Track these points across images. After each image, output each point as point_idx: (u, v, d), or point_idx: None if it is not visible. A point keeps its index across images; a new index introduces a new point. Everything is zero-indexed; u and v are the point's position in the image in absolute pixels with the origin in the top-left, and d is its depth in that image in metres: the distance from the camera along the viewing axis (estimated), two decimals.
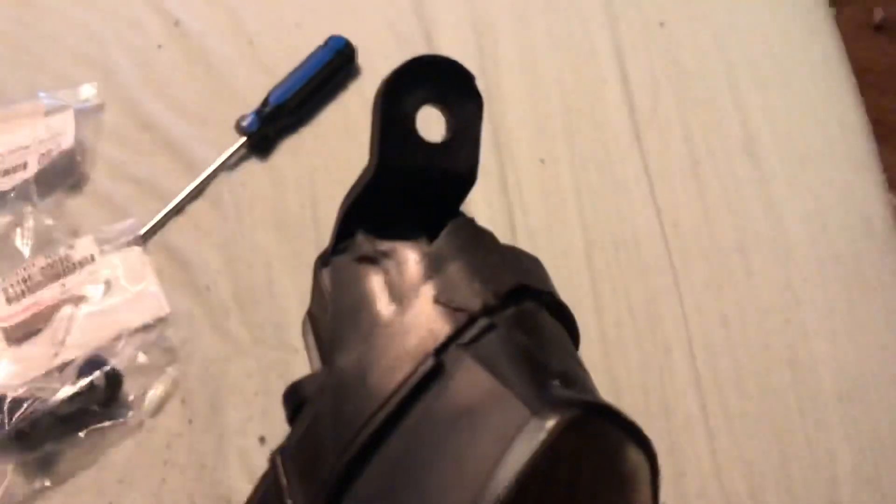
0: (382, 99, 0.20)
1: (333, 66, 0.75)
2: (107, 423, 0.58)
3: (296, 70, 0.74)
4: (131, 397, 0.59)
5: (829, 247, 0.66)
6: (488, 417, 0.19)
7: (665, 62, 0.76)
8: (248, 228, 0.68)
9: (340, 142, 0.73)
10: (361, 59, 0.76)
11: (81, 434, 0.57)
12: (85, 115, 0.73)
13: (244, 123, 0.71)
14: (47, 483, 0.57)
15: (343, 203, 0.21)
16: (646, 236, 0.67)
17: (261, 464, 0.56)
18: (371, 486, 0.19)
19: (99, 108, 0.74)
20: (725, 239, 0.67)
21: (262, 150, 0.72)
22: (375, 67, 0.76)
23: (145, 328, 0.62)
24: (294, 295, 0.64)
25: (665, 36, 0.78)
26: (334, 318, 0.20)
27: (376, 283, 0.21)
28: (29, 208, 0.67)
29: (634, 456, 0.21)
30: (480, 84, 0.72)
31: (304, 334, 0.25)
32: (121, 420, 0.58)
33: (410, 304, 0.21)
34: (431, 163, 0.21)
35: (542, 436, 0.19)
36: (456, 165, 0.21)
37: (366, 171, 0.21)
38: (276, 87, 0.73)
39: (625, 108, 0.73)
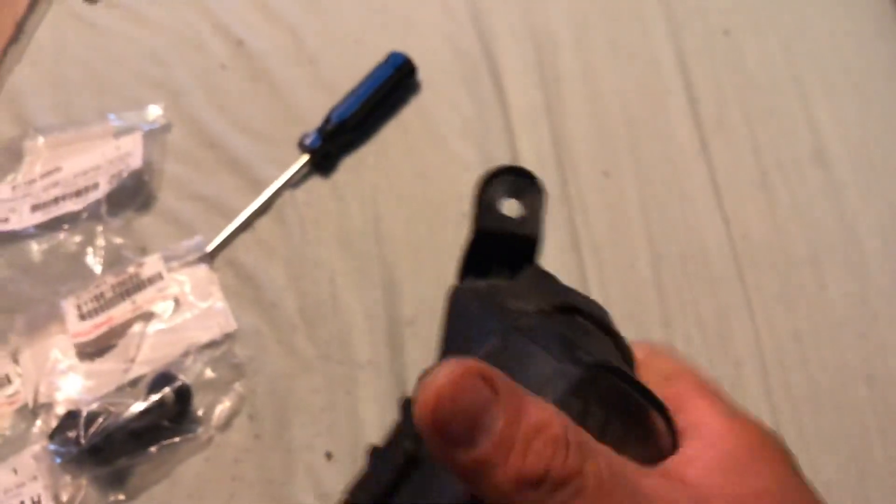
0: (478, 191, 0.32)
1: (393, 82, 0.75)
2: (177, 439, 0.59)
3: (357, 87, 0.75)
4: (200, 412, 0.60)
5: None
6: (527, 374, 0.23)
7: (730, 72, 0.74)
8: (313, 244, 0.68)
9: (401, 157, 0.73)
10: (421, 74, 0.76)
11: (153, 449, 0.58)
12: (152, 135, 0.74)
13: (307, 141, 0.72)
14: (121, 497, 0.58)
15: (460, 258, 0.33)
16: (714, 249, 0.65)
17: (327, 479, 0.57)
18: None
19: (166, 129, 0.76)
20: (797, 251, 0.65)
21: (325, 167, 0.73)
22: (435, 82, 0.76)
23: (213, 344, 0.63)
24: (358, 310, 0.64)
25: (730, 45, 0.76)
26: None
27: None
28: (100, 227, 0.68)
29: (654, 416, 0.25)
30: (541, 99, 0.72)
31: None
32: (190, 435, 0.59)
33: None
34: (513, 231, 0.32)
35: (564, 383, 0.23)
36: (529, 233, 0.32)
37: (468, 236, 0.32)
38: (337, 105, 0.74)
39: (690, 119, 0.72)
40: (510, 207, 0.32)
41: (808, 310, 0.62)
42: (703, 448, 0.24)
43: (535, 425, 0.20)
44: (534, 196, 0.32)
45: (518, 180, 0.33)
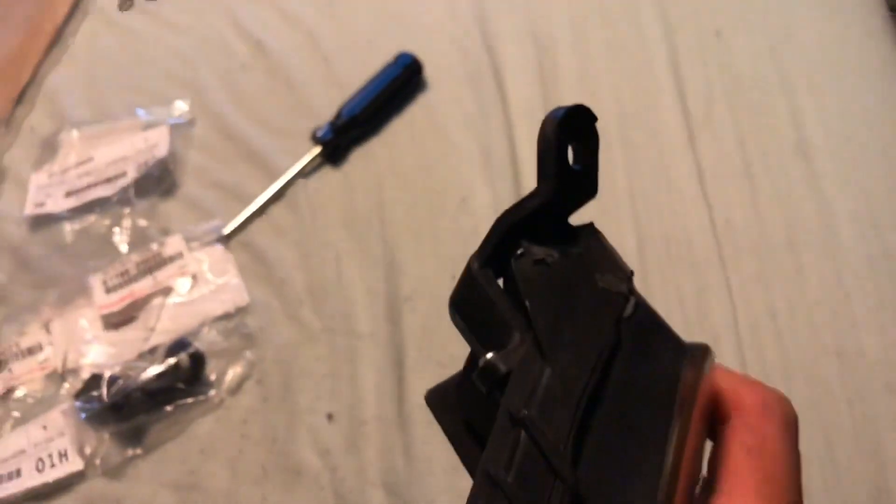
0: (553, 136, 0.27)
1: (401, 81, 0.80)
2: (190, 400, 0.64)
3: (367, 84, 0.80)
4: (213, 377, 0.65)
5: (879, 243, 0.67)
6: (658, 358, 0.26)
7: (720, 70, 0.78)
8: (321, 228, 0.73)
9: (407, 149, 0.78)
10: (428, 72, 0.81)
11: (168, 408, 0.63)
12: (178, 128, 0.80)
13: (319, 134, 0.77)
14: (138, 451, 0.63)
15: (506, 217, 0.27)
16: (697, 233, 0.69)
17: (328, 438, 0.61)
18: (602, 424, 0.24)
19: (190, 123, 0.82)
20: (776, 235, 0.68)
21: (335, 158, 0.78)
22: (440, 80, 0.81)
23: (227, 316, 0.68)
24: (361, 287, 0.69)
25: (721, 45, 0.80)
26: (533, 308, 0.25)
27: (555, 278, 0.27)
28: (127, 210, 0.74)
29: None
30: (539, 95, 0.77)
31: (455, 319, 0.29)
32: (203, 397, 0.64)
33: (584, 291, 0.27)
34: (578, 183, 0.28)
35: (700, 361, 0.25)
36: (588, 184, 0.28)
37: (537, 193, 0.26)
38: (348, 101, 0.79)
39: (679, 115, 0.76)
40: (572, 157, 0.28)
41: (784, 290, 0.66)
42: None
43: None
44: (594, 142, 0.29)
45: (579, 124, 0.28)
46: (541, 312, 0.25)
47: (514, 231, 0.27)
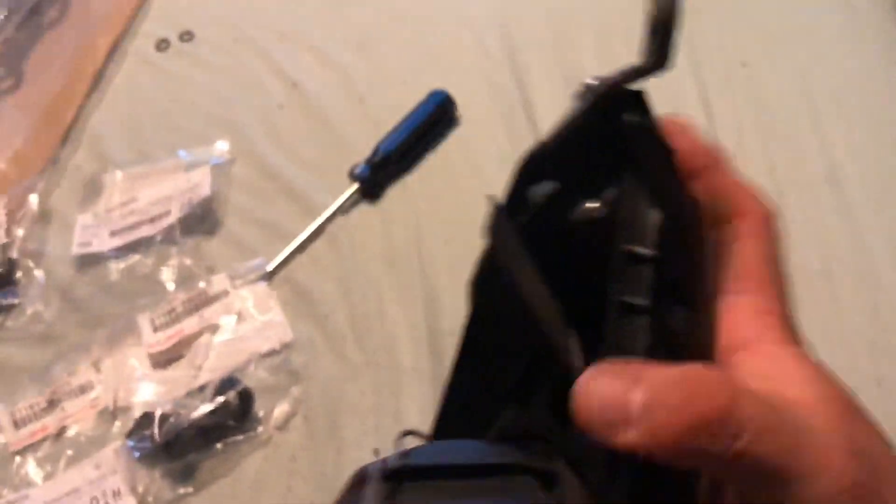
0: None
1: (435, 118, 0.82)
2: (240, 437, 0.65)
3: (401, 122, 0.81)
4: (261, 414, 0.66)
5: None
6: None
7: (748, 101, 0.80)
8: (362, 264, 0.75)
9: (442, 185, 0.80)
10: (461, 109, 0.83)
11: (219, 446, 0.65)
12: (219, 168, 0.82)
13: (356, 171, 0.79)
14: (190, 489, 0.64)
15: (626, 74, 0.25)
16: None
17: None
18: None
19: (230, 162, 0.84)
20: (810, 265, 0.69)
21: (373, 194, 0.80)
22: (474, 117, 0.83)
23: (272, 353, 0.70)
24: (402, 322, 0.70)
25: (748, 76, 0.82)
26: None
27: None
28: (173, 249, 0.76)
29: None
30: None
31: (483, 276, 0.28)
32: (252, 434, 0.65)
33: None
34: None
35: None
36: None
37: (647, 63, 0.24)
38: (384, 139, 0.80)
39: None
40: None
41: (822, 320, 0.66)
42: (782, 354, 0.25)
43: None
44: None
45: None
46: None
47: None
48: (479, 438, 0.29)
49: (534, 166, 0.27)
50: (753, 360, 0.24)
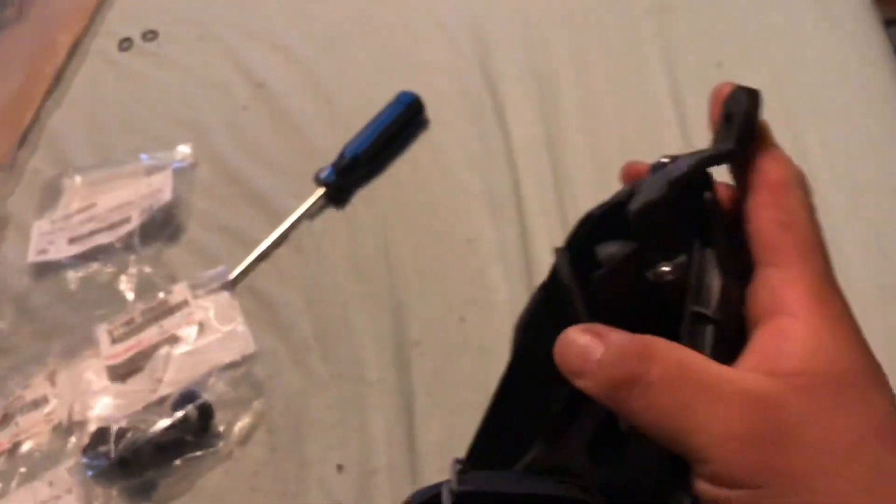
0: (749, 102, 0.30)
1: (403, 120, 0.80)
2: (199, 453, 0.63)
3: (369, 124, 0.80)
4: (221, 428, 0.64)
5: (890, 275, 0.66)
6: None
7: None
8: (328, 272, 0.73)
9: (411, 189, 0.78)
10: (430, 111, 0.81)
11: (177, 462, 0.63)
12: (181, 172, 0.80)
13: (322, 175, 0.77)
14: None
15: (699, 160, 0.29)
16: None
17: (338, 489, 0.61)
18: None
19: (193, 166, 0.82)
20: None
21: (339, 199, 0.77)
22: (443, 119, 0.81)
23: (234, 365, 0.68)
24: (369, 332, 0.68)
25: (723, 76, 0.79)
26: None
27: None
28: (132, 257, 0.74)
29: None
30: (542, 133, 0.77)
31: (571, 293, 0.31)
32: (212, 449, 0.63)
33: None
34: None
35: None
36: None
37: (724, 148, 0.28)
38: (351, 142, 0.78)
39: (684, 147, 0.76)
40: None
41: None
42: (795, 323, 0.26)
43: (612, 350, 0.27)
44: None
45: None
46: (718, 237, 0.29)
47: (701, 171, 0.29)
48: (508, 469, 0.33)
49: (600, 225, 0.31)
50: (763, 333, 0.27)
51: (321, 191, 0.77)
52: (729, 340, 0.28)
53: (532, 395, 0.34)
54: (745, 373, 0.26)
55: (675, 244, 0.29)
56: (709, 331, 0.28)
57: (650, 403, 0.26)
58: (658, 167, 0.31)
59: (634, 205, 0.28)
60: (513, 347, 0.35)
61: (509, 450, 0.34)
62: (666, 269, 0.29)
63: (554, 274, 0.32)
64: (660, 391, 0.26)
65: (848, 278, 0.66)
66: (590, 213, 0.31)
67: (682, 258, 0.28)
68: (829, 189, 0.71)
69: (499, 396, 0.35)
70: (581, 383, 0.27)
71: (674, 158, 0.30)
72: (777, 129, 0.77)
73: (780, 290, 0.27)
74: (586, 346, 0.27)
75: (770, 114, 0.77)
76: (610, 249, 0.30)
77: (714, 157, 0.29)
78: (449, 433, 0.63)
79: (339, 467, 0.62)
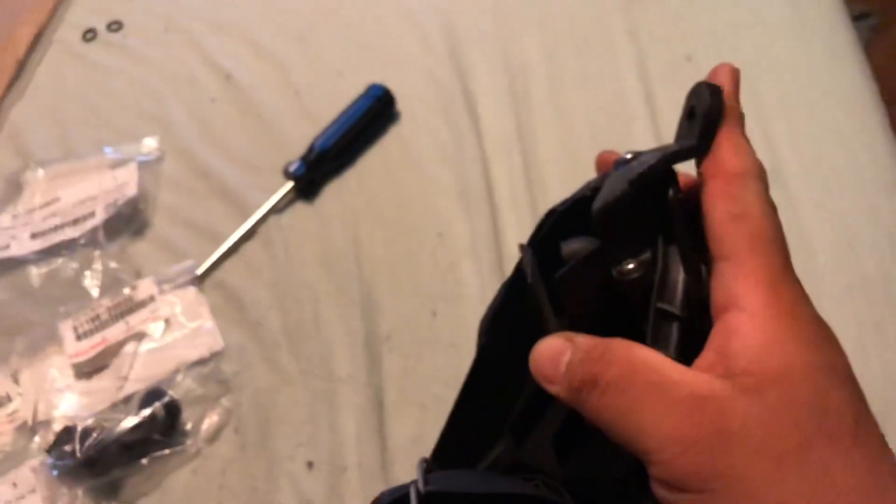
0: (712, 101, 0.29)
1: (374, 113, 0.79)
2: (167, 451, 0.62)
3: (338, 117, 0.79)
4: (189, 426, 0.64)
5: (857, 268, 0.67)
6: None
7: None
8: (297, 266, 0.72)
9: (381, 183, 0.77)
10: (400, 104, 0.81)
11: (144, 461, 0.62)
12: (147, 166, 0.79)
13: (291, 169, 0.76)
14: None
15: (665, 155, 0.28)
16: None
17: (308, 487, 0.60)
18: None
19: (159, 160, 0.80)
20: None
21: (309, 193, 0.77)
22: (414, 112, 0.81)
23: (201, 362, 0.67)
24: (339, 327, 0.68)
25: (692, 70, 0.80)
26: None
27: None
28: (97, 253, 0.72)
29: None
30: (513, 126, 0.76)
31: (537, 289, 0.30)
32: (179, 448, 0.62)
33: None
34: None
35: None
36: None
37: (687, 146, 0.28)
38: (320, 134, 0.78)
39: (654, 141, 0.76)
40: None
41: None
42: (745, 319, 0.25)
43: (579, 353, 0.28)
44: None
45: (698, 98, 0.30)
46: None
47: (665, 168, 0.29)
48: (472, 468, 0.34)
49: (562, 222, 0.31)
50: (717, 330, 0.26)
51: (290, 184, 0.76)
52: (696, 336, 0.27)
53: (497, 393, 0.34)
54: (697, 374, 0.25)
55: (640, 241, 0.29)
56: (674, 328, 0.28)
57: (606, 404, 0.26)
58: (621, 163, 0.31)
59: (596, 204, 0.28)
60: (478, 345, 0.35)
61: (475, 447, 0.34)
62: (630, 266, 0.28)
63: (518, 271, 0.32)
64: (614, 392, 0.26)
65: (815, 271, 0.67)
66: (553, 209, 0.32)
67: (646, 255, 0.28)
68: (798, 182, 0.72)
69: (464, 394, 0.35)
70: (552, 388, 0.28)
71: (637, 154, 0.30)
72: (746, 122, 0.77)
73: (732, 284, 0.26)
74: (557, 351, 0.28)
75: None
76: (574, 246, 0.30)
77: (676, 154, 0.29)
78: (420, 429, 0.63)
79: (310, 464, 0.62)
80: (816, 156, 0.73)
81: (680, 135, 0.30)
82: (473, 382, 0.35)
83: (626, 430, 0.25)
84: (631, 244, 0.29)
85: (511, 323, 0.32)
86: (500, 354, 0.33)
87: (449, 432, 0.36)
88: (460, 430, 0.36)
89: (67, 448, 0.61)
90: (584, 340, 0.28)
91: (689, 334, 0.27)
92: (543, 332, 0.29)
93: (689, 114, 0.30)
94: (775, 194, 0.72)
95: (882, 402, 0.61)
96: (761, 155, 0.74)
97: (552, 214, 0.32)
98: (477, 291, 0.69)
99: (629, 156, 0.30)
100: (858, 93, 0.77)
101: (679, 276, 0.28)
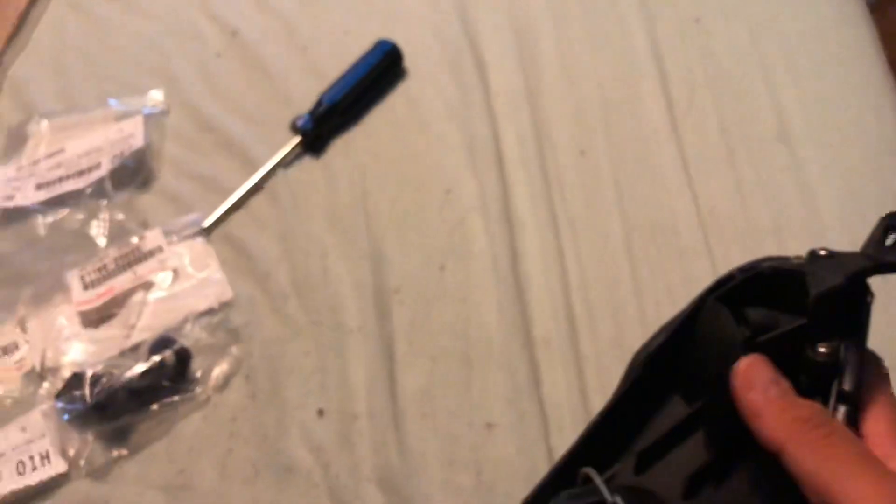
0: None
1: (381, 69, 0.79)
2: (176, 398, 0.62)
3: (346, 73, 0.78)
4: (198, 374, 0.64)
5: (863, 229, 0.67)
6: None
7: (701, 57, 0.78)
8: (304, 220, 0.72)
9: (389, 139, 0.77)
10: (408, 61, 0.80)
11: (154, 407, 0.62)
12: (152, 118, 0.78)
13: (299, 123, 0.76)
14: (124, 451, 0.61)
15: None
16: (683, 222, 0.69)
17: (319, 434, 0.61)
18: None
19: (164, 113, 0.80)
20: (761, 223, 0.69)
21: (316, 148, 0.76)
22: (421, 69, 0.80)
23: (210, 312, 0.67)
24: (347, 280, 0.68)
25: (701, 32, 0.80)
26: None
27: None
28: (104, 203, 0.72)
29: None
30: (521, 83, 0.76)
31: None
32: (189, 395, 0.63)
33: None
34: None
35: None
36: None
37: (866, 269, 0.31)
38: (328, 89, 0.77)
39: (662, 102, 0.76)
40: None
41: None
42: None
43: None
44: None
45: None
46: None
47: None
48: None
49: (753, 290, 0.33)
50: None
51: (297, 139, 0.76)
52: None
53: (632, 417, 0.37)
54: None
55: (834, 329, 0.31)
56: (846, 411, 0.31)
57: (827, 453, 0.28)
58: (817, 256, 0.33)
59: (817, 288, 0.31)
60: (629, 372, 0.37)
61: (594, 464, 0.36)
62: (823, 349, 0.31)
63: (695, 316, 0.34)
64: (839, 439, 0.28)
65: (821, 230, 0.68)
66: (731, 274, 0.35)
67: (835, 342, 0.31)
68: (805, 144, 0.72)
69: (602, 420, 0.37)
70: (758, 421, 0.30)
71: (831, 252, 0.33)
72: (754, 85, 0.78)
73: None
74: (773, 388, 0.30)
75: (747, 69, 0.78)
76: (757, 315, 0.33)
77: (886, 266, 0.31)
78: (429, 380, 0.63)
79: (320, 412, 0.62)
80: (823, 118, 0.74)
81: (870, 246, 0.33)
82: (615, 410, 0.37)
83: (828, 485, 0.27)
84: (827, 330, 0.31)
85: (672, 361, 0.36)
86: (649, 387, 0.36)
87: (577, 454, 0.38)
88: (588, 451, 0.38)
89: (77, 393, 0.61)
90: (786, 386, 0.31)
91: (850, 423, 0.31)
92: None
93: (886, 229, 0.33)
94: (782, 154, 0.73)
95: (891, 355, 0.62)
96: (768, 116, 0.75)
97: (730, 279, 0.35)
98: (485, 247, 0.69)
99: (823, 252, 0.33)
100: (866, 53, 0.77)
101: (856, 373, 0.31)
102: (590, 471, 0.34)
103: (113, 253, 0.69)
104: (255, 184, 0.74)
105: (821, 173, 0.71)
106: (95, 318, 0.67)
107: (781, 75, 0.76)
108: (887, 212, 0.33)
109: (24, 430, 0.62)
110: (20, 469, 0.60)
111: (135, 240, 0.70)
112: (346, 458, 0.60)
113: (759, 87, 0.76)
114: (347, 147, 0.77)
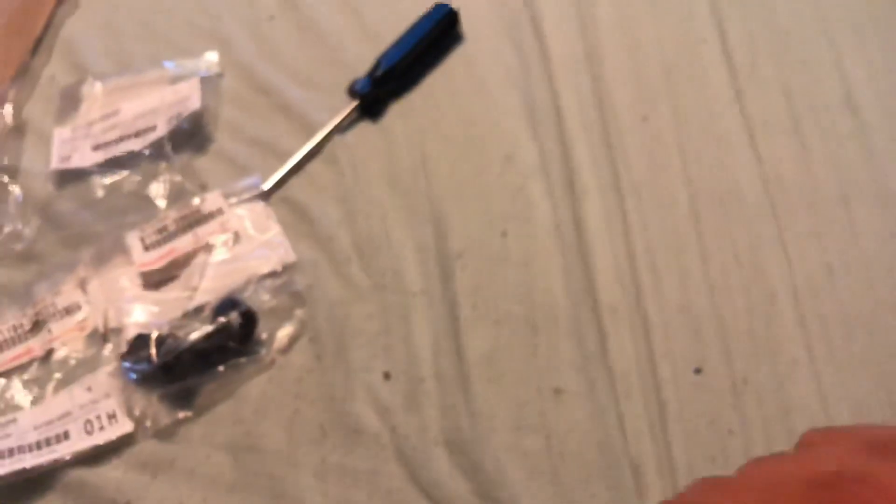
0: None
1: (438, 32, 0.78)
2: (242, 360, 0.62)
3: (403, 36, 0.77)
4: (264, 336, 0.63)
5: None
6: None
7: (763, 21, 0.77)
8: (364, 184, 0.71)
9: (447, 103, 0.76)
10: (465, 25, 0.79)
11: (220, 369, 0.62)
12: (208, 81, 0.77)
13: (357, 86, 0.75)
14: (190, 413, 0.61)
15: None
16: (749, 188, 0.68)
17: (386, 396, 0.60)
18: None
19: (220, 76, 0.79)
20: (828, 190, 0.68)
21: (373, 111, 0.76)
22: (478, 33, 0.79)
23: (273, 274, 0.66)
24: (409, 244, 0.67)
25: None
26: None
27: None
28: (163, 164, 0.71)
29: None
30: (581, 48, 0.75)
31: None
32: (255, 357, 0.62)
33: None
34: None
35: None
36: None
37: None
38: (385, 52, 0.76)
39: (724, 67, 0.75)
40: None
41: (839, 245, 0.65)
42: None
43: None
44: None
45: None
46: None
47: None
48: None
49: None
50: None
51: (355, 103, 0.75)
52: None
53: None
54: None
55: None
56: None
57: None
58: None
59: None
60: None
61: None
62: None
63: None
64: None
65: (891, 202, 0.67)
66: None
67: None
68: (872, 114, 0.71)
69: None
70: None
71: None
72: (818, 52, 0.76)
73: None
74: None
75: (811, 36, 0.76)
76: None
77: None
78: (495, 344, 0.63)
79: (386, 375, 0.62)
80: (891, 86, 0.73)
81: None
82: None
83: None
84: None
85: None
86: None
87: None
88: None
89: (143, 354, 0.61)
90: None
91: None
92: None
93: None
94: (848, 123, 0.72)
95: None
96: (834, 83, 0.74)
97: None
98: (548, 213, 0.68)
99: None
100: None
101: None
102: None
103: (173, 214, 0.69)
104: (313, 148, 0.73)
105: (888, 141, 0.70)
106: (157, 279, 0.67)
107: (845, 40, 0.75)
108: None
109: (89, 389, 0.62)
110: (88, 428, 0.60)
111: (195, 201, 0.69)
112: (414, 421, 0.60)
113: (824, 54, 0.75)
114: (404, 111, 0.76)
